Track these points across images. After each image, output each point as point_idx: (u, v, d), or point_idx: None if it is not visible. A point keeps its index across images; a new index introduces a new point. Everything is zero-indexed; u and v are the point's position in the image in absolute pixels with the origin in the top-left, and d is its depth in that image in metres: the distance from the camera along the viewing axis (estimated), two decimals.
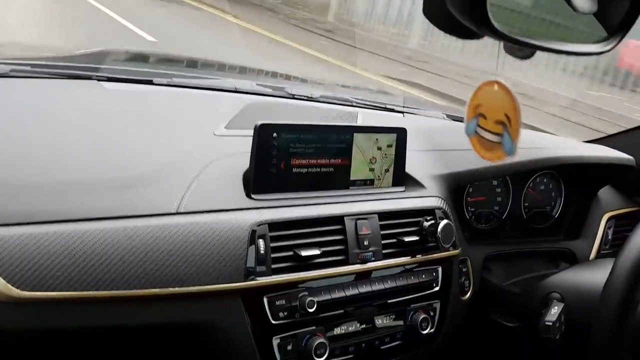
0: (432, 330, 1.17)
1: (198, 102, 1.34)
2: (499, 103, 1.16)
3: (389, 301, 1.11)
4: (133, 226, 0.87)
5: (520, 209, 1.50)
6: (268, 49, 8.24)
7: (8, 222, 0.80)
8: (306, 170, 1.07)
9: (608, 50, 0.79)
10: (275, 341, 0.97)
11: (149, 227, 0.88)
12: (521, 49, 0.76)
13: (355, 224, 1.08)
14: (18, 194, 0.84)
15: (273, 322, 0.96)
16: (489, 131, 1.20)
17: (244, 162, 1.02)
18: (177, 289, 0.88)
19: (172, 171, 0.97)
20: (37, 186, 0.86)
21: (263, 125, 1.00)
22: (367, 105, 1.63)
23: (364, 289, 1.07)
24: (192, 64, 1.71)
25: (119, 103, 1.21)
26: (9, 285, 0.78)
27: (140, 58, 1.49)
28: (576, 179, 1.55)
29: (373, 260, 1.08)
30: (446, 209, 1.23)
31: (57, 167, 0.92)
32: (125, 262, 0.85)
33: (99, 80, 1.23)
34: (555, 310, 1.18)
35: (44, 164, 0.91)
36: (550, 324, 1.17)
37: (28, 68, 1.19)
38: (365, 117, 1.44)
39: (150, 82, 1.31)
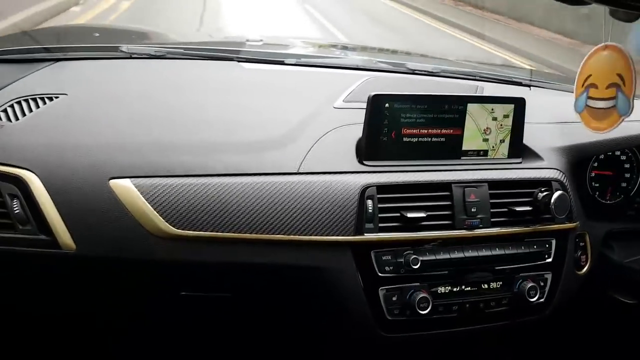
0: (541, 300, 1.17)
1: (322, 79, 1.46)
2: (610, 66, 1.12)
3: (496, 267, 1.14)
4: (263, 182, 1.03)
5: None
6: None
7: (168, 174, 1.00)
8: (417, 139, 1.13)
9: None
10: (382, 292, 1.06)
11: (275, 183, 1.03)
12: (626, 12, 0.74)
13: (464, 191, 1.12)
14: (175, 151, 1.04)
15: (379, 274, 1.06)
16: (601, 99, 1.16)
17: (358, 131, 1.12)
18: (297, 236, 1.02)
19: (295, 137, 1.11)
20: (190, 145, 1.06)
21: (375, 96, 1.09)
22: (490, 78, 1.62)
23: (470, 253, 1.11)
24: (318, 45, 1.83)
25: (255, 80, 1.38)
26: (167, 224, 0.97)
27: (273, 44, 1.66)
28: None
29: (480, 227, 1.12)
30: (564, 181, 1.20)
31: (205, 131, 1.10)
32: (256, 211, 1.01)
33: (239, 61, 1.41)
34: None
35: (195, 128, 1.10)
36: None
37: (181, 51, 1.41)
38: (487, 90, 1.44)
39: (282, 63, 1.47)
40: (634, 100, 1.12)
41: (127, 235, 0.97)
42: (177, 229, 0.98)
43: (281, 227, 1.01)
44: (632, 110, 1.14)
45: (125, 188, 0.97)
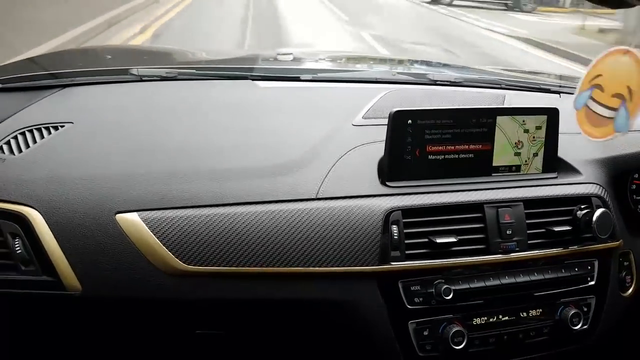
0: (585, 327, 1.08)
1: (339, 94, 1.39)
2: (623, 74, 1.02)
3: (536, 294, 1.05)
4: (279, 210, 0.96)
5: None
6: None
7: (176, 205, 0.94)
8: (443, 157, 1.05)
9: None
10: (412, 326, 0.98)
11: (292, 210, 0.96)
12: None
13: (497, 212, 1.04)
14: (185, 180, 0.98)
15: (409, 306, 0.98)
16: (603, 105, 1.07)
17: (380, 150, 1.05)
18: (317, 268, 0.95)
19: (312, 160, 1.04)
20: (200, 173, 0.99)
21: (397, 112, 1.02)
22: (517, 86, 1.54)
23: (507, 280, 1.03)
24: (335, 59, 1.77)
25: (270, 99, 1.32)
26: (178, 260, 0.91)
27: (287, 58, 1.60)
28: None
29: (517, 251, 1.03)
30: (605, 197, 1.12)
31: (216, 157, 1.04)
32: (273, 243, 0.94)
33: (253, 79, 1.36)
34: None
35: (205, 154, 1.05)
36: None
37: (193, 71, 1.36)
38: (514, 100, 1.36)
39: (297, 79, 1.41)
40: (633, 121, 1.04)
41: (135, 274, 0.92)
42: (189, 264, 0.92)
43: (300, 258, 0.94)
44: (627, 130, 1.05)
45: (132, 223, 0.92)
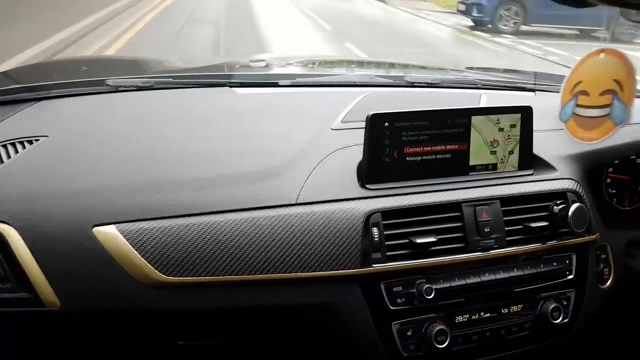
0: (566, 321, 1.10)
1: (318, 99, 1.40)
2: (606, 71, 1.05)
3: (516, 290, 1.07)
4: (259, 217, 0.96)
5: None
6: None
7: (155, 216, 0.93)
8: (420, 158, 1.07)
9: None
10: (395, 326, 0.99)
11: (273, 217, 0.96)
12: (638, 13, 0.69)
13: (475, 210, 1.05)
14: (163, 190, 0.97)
15: (391, 307, 0.99)
16: (593, 107, 1.09)
17: (359, 153, 1.06)
18: (299, 274, 0.95)
19: (292, 165, 1.05)
20: (179, 183, 0.99)
21: (374, 116, 1.03)
22: (493, 86, 1.56)
23: (487, 277, 1.04)
24: (313, 63, 1.78)
25: (248, 105, 1.32)
26: (157, 272, 0.91)
27: (263, 64, 1.60)
28: None
29: (496, 248, 1.05)
30: (580, 192, 1.14)
31: (195, 165, 1.04)
32: (255, 250, 0.94)
33: (231, 86, 1.36)
34: None
35: (184, 163, 1.04)
36: None
37: (170, 80, 1.35)
38: (490, 99, 1.38)
39: (276, 85, 1.41)
40: (632, 108, 1.06)
41: (115, 287, 0.91)
42: (169, 276, 0.91)
43: (282, 264, 0.94)
44: (629, 119, 1.07)
45: (110, 235, 0.91)
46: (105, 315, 0.94)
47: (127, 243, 0.90)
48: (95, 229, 0.91)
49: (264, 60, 1.61)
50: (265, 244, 0.94)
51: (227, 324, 0.99)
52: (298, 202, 0.99)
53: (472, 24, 11.11)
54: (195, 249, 0.92)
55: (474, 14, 10.64)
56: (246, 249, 0.94)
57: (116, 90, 1.26)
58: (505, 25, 10.24)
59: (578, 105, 1.12)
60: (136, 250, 0.90)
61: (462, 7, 10.97)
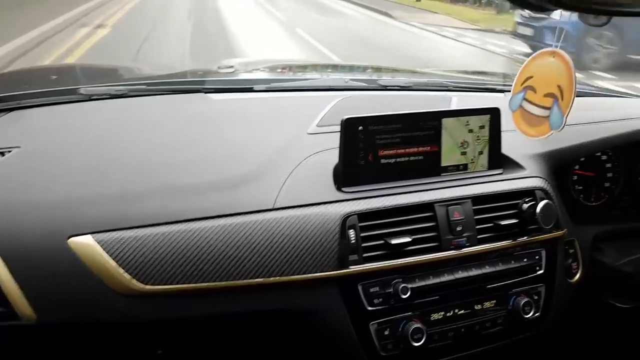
0: (537, 315, 1.13)
1: (294, 103, 1.41)
2: (553, 75, 1.09)
3: (488, 286, 1.10)
4: (236, 223, 0.97)
5: (636, 183, 1.38)
6: None
7: (132, 225, 0.93)
8: (394, 160, 1.09)
9: None
10: (373, 327, 1.01)
11: (250, 222, 0.97)
12: (596, 17, 0.72)
13: (447, 210, 1.08)
14: (139, 198, 0.97)
15: (369, 308, 1.01)
16: (537, 105, 1.13)
17: (335, 157, 1.07)
18: (277, 278, 0.96)
19: (268, 170, 1.06)
20: (155, 191, 0.99)
21: (348, 120, 1.05)
22: (464, 88, 1.60)
23: (461, 274, 1.07)
24: (287, 68, 1.79)
25: (224, 111, 1.33)
26: (135, 281, 0.91)
27: (238, 69, 1.61)
28: None
29: (468, 246, 1.08)
30: (547, 189, 1.18)
31: (171, 173, 1.04)
32: (233, 256, 0.95)
33: (205, 92, 1.36)
34: None
35: (161, 171, 1.04)
36: None
37: (144, 87, 1.35)
38: (461, 101, 1.42)
39: (251, 90, 1.42)
40: (568, 116, 1.10)
41: (92, 297, 0.90)
42: (147, 284, 0.91)
43: (260, 270, 0.95)
44: (563, 127, 1.12)
45: (86, 246, 0.90)
46: (84, 327, 0.93)
47: (104, 253, 0.90)
48: (71, 240, 0.91)
49: (232, 67, 1.62)
50: (244, 250, 0.95)
51: (208, 331, 0.99)
52: (275, 207, 1.00)
53: (529, 50, 7.57)
54: (173, 256, 0.92)
55: (547, 40, 6.11)
56: (224, 255, 0.94)
57: (89, 99, 1.25)
58: (595, 61, 7.15)
59: (525, 99, 1.16)
60: (113, 259, 0.90)
61: (527, 31, 7.72)
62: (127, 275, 0.90)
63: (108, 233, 0.91)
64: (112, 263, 0.90)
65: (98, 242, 0.91)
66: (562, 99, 1.10)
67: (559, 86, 1.10)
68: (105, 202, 0.95)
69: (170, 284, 0.92)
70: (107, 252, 0.90)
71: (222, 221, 0.96)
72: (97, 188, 0.98)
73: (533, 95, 1.15)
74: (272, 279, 0.96)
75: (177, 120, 1.24)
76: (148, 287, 0.91)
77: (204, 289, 0.93)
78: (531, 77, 1.15)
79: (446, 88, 1.55)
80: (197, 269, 0.93)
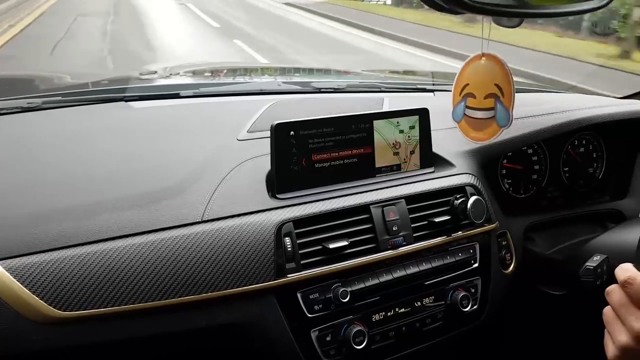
0: (475, 307, 1.16)
1: (223, 109, 1.38)
2: (487, 76, 1.13)
3: (426, 283, 1.11)
4: (161, 239, 0.91)
5: (561, 174, 1.45)
6: None
7: (44, 248, 0.86)
8: (328, 164, 1.08)
9: (607, 4, 0.74)
10: (314, 334, 0.99)
11: (176, 237, 0.92)
12: (509, 19, 0.74)
13: (382, 210, 1.08)
14: (53, 219, 0.90)
15: (309, 315, 0.99)
16: (480, 109, 1.17)
17: (268, 164, 1.05)
18: (210, 294, 0.92)
19: (196, 181, 1.01)
20: (71, 209, 0.92)
21: (278, 125, 1.02)
22: (395, 88, 1.62)
23: (398, 273, 1.08)
24: (216, 71, 1.75)
25: (147, 120, 1.27)
26: (51, 307, 0.84)
27: (162, 74, 1.55)
28: (616, 136, 1.47)
29: (404, 245, 1.09)
30: (477, 185, 1.21)
31: (87, 190, 0.98)
32: (158, 274, 0.89)
33: (127, 100, 1.29)
34: (597, 258, 1.10)
35: (76, 188, 0.98)
36: (591, 267, 1.08)
37: (59, 98, 1.27)
38: (393, 101, 1.43)
39: (177, 96, 1.37)
40: (513, 112, 1.14)
41: (6, 328, 0.83)
42: (65, 311, 0.84)
43: (190, 287, 0.91)
44: (511, 122, 1.16)
45: None
46: None
47: (15, 280, 0.83)
48: None
49: (156, 72, 1.55)
50: (170, 267, 0.90)
51: (137, 354, 0.94)
52: (204, 219, 0.96)
53: None
54: (92, 279, 0.86)
55: None
56: (149, 273, 0.89)
57: None
58: None
59: (467, 107, 1.19)
60: (25, 287, 0.83)
61: None
62: (42, 303, 0.83)
63: (18, 259, 0.84)
64: (25, 291, 0.83)
65: (7, 270, 0.83)
66: (503, 95, 1.13)
67: (496, 85, 1.12)
68: (14, 225, 0.88)
69: (91, 308, 0.85)
70: (18, 280, 0.83)
71: (143, 238, 0.91)
72: (4, 210, 0.90)
73: (473, 101, 1.17)
74: (204, 295, 0.91)
75: (96, 132, 1.17)
76: (67, 313, 0.84)
77: (128, 311, 0.87)
78: (467, 84, 1.17)
79: (378, 89, 1.57)
80: (118, 291, 0.87)
